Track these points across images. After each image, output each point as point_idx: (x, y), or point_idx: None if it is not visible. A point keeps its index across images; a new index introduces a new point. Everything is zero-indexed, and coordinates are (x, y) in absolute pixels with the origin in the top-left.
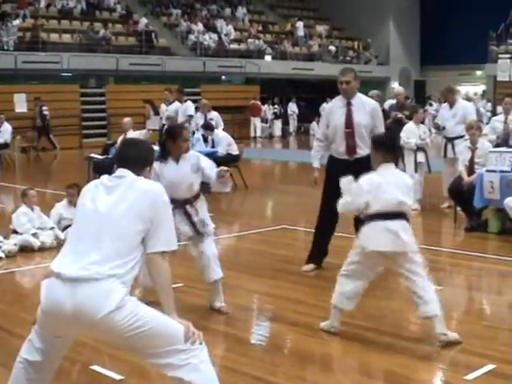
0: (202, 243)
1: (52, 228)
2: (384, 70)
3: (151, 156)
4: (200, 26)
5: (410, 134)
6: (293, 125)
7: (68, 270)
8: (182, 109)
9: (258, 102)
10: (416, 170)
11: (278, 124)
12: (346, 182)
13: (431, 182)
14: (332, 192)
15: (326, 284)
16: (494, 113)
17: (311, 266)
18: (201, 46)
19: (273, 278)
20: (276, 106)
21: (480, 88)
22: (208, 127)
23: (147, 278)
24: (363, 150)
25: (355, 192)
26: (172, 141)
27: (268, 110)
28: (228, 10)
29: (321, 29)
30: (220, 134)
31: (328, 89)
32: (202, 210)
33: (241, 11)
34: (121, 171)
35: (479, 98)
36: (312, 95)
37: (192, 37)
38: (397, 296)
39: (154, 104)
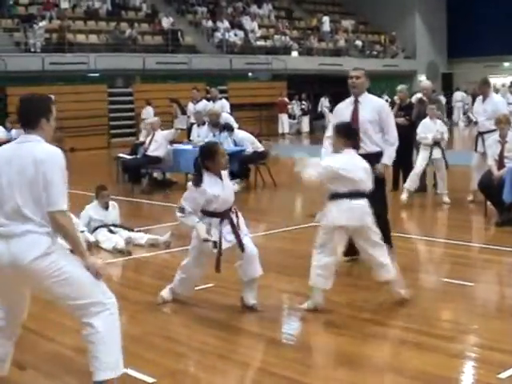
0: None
1: (82, 231)
2: (411, 64)
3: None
4: (226, 24)
5: (427, 129)
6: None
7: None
8: (218, 106)
9: (285, 99)
10: (428, 164)
11: (306, 120)
12: (300, 157)
13: (458, 175)
14: None
15: (357, 282)
16: None
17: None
18: (227, 43)
19: (303, 277)
20: (304, 102)
21: (508, 79)
22: (228, 128)
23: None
24: (368, 146)
25: (326, 165)
26: (211, 159)
27: (296, 106)
28: (254, 7)
29: (347, 23)
30: (239, 133)
31: None
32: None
33: (266, 8)
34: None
35: (507, 89)
36: (339, 90)
37: (218, 34)
38: (423, 294)
39: (180, 103)
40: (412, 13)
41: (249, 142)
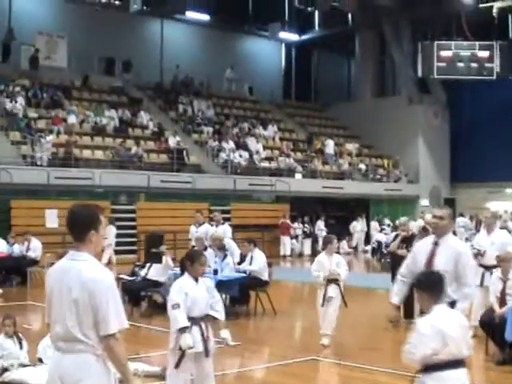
0: (207, 360)
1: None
2: (413, 188)
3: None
4: (231, 144)
5: (320, 266)
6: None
7: None
8: (221, 230)
9: (288, 221)
10: (322, 304)
11: (308, 242)
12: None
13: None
14: None
15: None
16: None
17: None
18: (231, 163)
19: None
20: (306, 225)
21: (511, 205)
22: (252, 242)
23: None
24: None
25: (418, 341)
26: (190, 263)
27: (298, 228)
28: (259, 128)
29: (351, 147)
30: (257, 251)
31: (357, 207)
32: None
33: (271, 129)
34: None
35: (510, 215)
36: (342, 213)
37: (223, 155)
38: None
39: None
40: (415, 138)
41: (263, 263)
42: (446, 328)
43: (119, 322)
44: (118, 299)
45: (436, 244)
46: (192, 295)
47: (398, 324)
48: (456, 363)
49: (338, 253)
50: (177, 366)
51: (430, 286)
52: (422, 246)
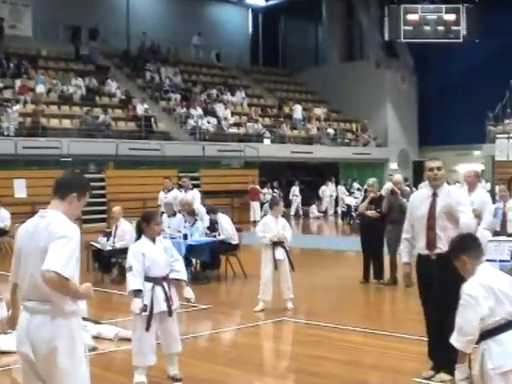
0: (172, 320)
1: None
2: (382, 152)
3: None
4: (199, 111)
5: (266, 228)
6: (295, 208)
7: None
8: (190, 196)
9: (257, 186)
10: (276, 267)
11: None
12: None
13: None
14: (425, 296)
15: (328, 382)
16: (493, 192)
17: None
18: (200, 130)
19: (274, 376)
20: (275, 190)
21: (478, 168)
22: (212, 210)
23: None
24: (445, 244)
25: (466, 309)
26: (146, 224)
27: (267, 193)
28: (227, 94)
29: (319, 112)
30: (222, 217)
31: (327, 172)
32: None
33: (239, 95)
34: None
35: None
36: (311, 178)
37: (191, 121)
38: None
39: None
40: (383, 102)
41: (230, 227)
42: (496, 285)
43: (61, 267)
44: (73, 253)
45: (435, 195)
46: (150, 256)
47: (367, 284)
48: None
49: (307, 217)
50: (147, 328)
51: (466, 248)
52: (418, 199)
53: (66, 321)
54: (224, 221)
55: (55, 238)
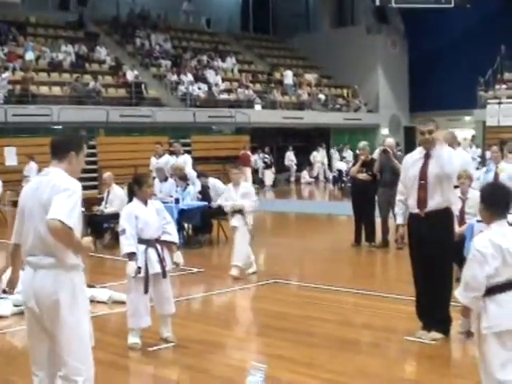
0: (165, 282)
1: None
2: (373, 117)
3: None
4: (189, 77)
5: (228, 196)
6: (292, 174)
7: None
8: (181, 160)
9: (248, 152)
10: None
11: (269, 173)
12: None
13: None
14: (415, 252)
15: (320, 342)
16: (483, 157)
17: (438, 336)
18: (190, 96)
19: (267, 336)
20: (266, 156)
21: (469, 133)
22: (203, 175)
23: None
24: (436, 201)
25: (474, 264)
26: (138, 187)
27: (259, 159)
28: (217, 60)
29: (310, 77)
30: (215, 181)
31: (318, 137)
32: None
33: (230, 61)
34: None
35: (469, 142)
36: (302, 144)
37: (182, 88)
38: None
39: None
40: (375, 68)
41: (222, 188)
42: (506, 245)
43: (65, 216)
44: (76, 205)
45: (427, 156)
46: (143, 218)
47: (359, 247)
48: None
49: (298, 182)
50: (145, 291)
51: (485, 199)
52: (411, 161)
53: (68, 275)
54: (217, 183)
55: (58, 191)
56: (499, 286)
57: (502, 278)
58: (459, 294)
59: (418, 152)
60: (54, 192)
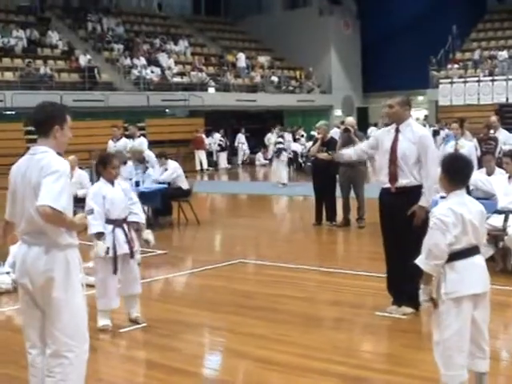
0: (133, 262)
1: (8, 273)
2: (327, 99)
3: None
4: (142, 61)
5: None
6: (242, 156)
7: None
8: (137, 143)
9: (202, 135)
10: None
11: (224, 156)
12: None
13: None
14: (385, 227)
15: (290, 319)
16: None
17: (409, 310)
18: (144, 80)
19: (235, 314)
20: (221, 138)
21: (422, 113)
22: (162, 155)
23: None
24: (406, 179)
25: (435, 232)
26: (103, 167)
27: (213, 142)
28: (170, 44)
29: (263, 60)
30: (171, 163)
31: (272, 119)
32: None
33: (182, 44)
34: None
35: (422, 122)
36: (256, 126)
37: (135, 71)
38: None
39: None
40: (327, 49)
41: (176, 173)
42: (467, 215)
43: (54, 201)
44: (63, 186)
45: (398, 131)
46: (110, 197)
47: (320, 226)
48: (475, 250)
49: (253, 164)
50: (115, 271)
51: (451, 169)
52: (384, 135)
53: (63, 252)
54: (172, 165)
55: (46, 173)
56: (458, 254)
57: (461, 246)
58: (421, 261)
59: (391, 127)
60: (43, 175)
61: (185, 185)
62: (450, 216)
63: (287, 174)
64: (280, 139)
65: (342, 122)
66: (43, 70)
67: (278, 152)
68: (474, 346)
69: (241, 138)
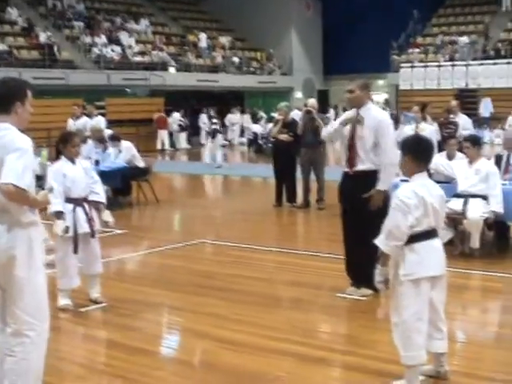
0: (94, 241)
1: None
2: (287, 80)
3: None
4: (103, 39)
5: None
6: (204, 136)
7: None
8: (94, 122)
9: (164, 115)
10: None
11: (184, 136)
12: None
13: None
14: (344, 209)
15: (250, 299)
16: (396, 121)
17: (368, 292)
18: (104, 58)
19: (195, 294)
20: (181, 119)
21: (382, 97)
22: (115, 138)
23: None
24: (364, 163)
25: (397, 214)
26: (63, 145)
27: (173, 122)
28: (131, 22)
29: (224, 40)
30: (125, 143)
31: (232, 100)
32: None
33: (143, 23)
34: None
35: (382, 105)
36: (217, 107)
37: (95, 50)
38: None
39: None
40: (288, 31)
41: (131, 153)
42: (429, 199)
43: (17, 179)
44: (28, 165)
45: (358, 115)
46: (71, 176)
47: (280, 207)
48: (434, 233)
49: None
50: (75, 251)
51: (415, 151)
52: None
53: (25, 230)
54: (126, 144)
55: (9, 151)
56: (418, 235)
57: (422, 228)
58: (380, 242)
59: (352, 111)
60: (5, 152)
61: (141, 163)
62: (413, 198)
63: (222, 156)
64: (214, 120)
65: (305, 105)
66: (2, 46)
67: (213, 133)
68: (431, 327)
69: (203, 118)
